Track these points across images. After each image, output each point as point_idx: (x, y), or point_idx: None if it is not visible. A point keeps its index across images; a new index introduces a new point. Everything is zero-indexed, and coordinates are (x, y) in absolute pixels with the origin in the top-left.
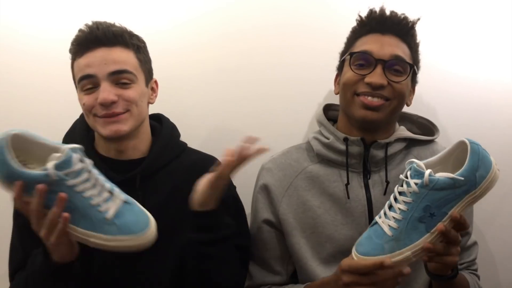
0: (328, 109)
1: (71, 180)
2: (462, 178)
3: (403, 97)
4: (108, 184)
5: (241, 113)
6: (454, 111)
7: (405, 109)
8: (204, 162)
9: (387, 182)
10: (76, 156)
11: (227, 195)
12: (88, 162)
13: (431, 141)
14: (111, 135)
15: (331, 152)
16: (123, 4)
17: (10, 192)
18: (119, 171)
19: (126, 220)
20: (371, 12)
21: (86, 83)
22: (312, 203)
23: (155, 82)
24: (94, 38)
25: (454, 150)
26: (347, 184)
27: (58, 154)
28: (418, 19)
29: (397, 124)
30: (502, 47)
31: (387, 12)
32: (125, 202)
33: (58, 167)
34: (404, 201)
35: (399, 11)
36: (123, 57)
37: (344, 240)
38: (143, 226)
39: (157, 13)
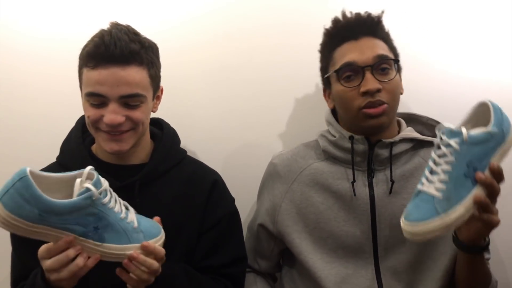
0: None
1: (104, 198)
2: (496, 130)
3: (397, 94)
4: (119, 198)
5: (241, 112)
6: (453, 111)
7: (413, 110)
8: (203, 174)
9: (392, 181)
10: (99, 176)
11: (219, 217)
12: (105, 180)
13: None
14: (112, 153)
15: (337, 150)
16: (124, 4)
17: (36, 235)
18: (118, 176)
19: (146, 226)
20: (336, 22)
21: (94, 99)
22: (316, 199)
23: (161, 90)
24: (109, 55)
25: (474, 113)
26: (353, 182)
27: (80, 179)
28: (383, 12)
29: (404, 124)
30: (502, 47)
31: (351, 16)
32: (135, 212)
33: (94, 186)
34: (446, 161)
35: (400, 12)
36: (136, 79)
37: (346, 237)
38: (158, 227)
39: (157, 13)
